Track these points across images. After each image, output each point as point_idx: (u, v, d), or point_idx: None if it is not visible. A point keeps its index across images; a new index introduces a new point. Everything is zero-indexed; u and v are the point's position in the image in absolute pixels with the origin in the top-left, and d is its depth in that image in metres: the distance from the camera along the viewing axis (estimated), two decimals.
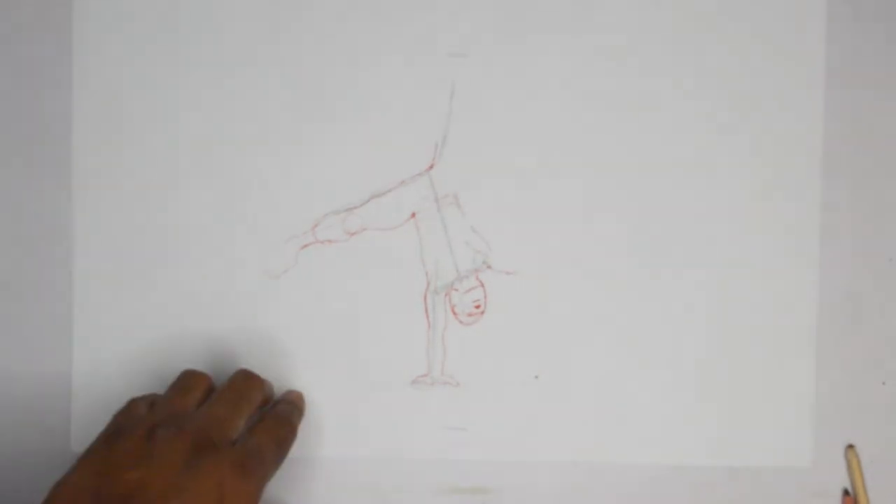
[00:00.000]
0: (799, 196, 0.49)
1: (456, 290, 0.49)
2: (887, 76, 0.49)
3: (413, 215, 0.49)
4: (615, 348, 0.49)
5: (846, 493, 0.49)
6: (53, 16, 0.48)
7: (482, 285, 0.49)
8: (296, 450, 0.48)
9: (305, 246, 0.49)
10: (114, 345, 0.49)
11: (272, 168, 0.49)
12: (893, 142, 0.49)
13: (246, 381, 0.46)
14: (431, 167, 0.49)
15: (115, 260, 0.49)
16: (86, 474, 0.40)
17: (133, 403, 0.44)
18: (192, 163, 0.49)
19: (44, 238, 0.49)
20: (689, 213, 0.49)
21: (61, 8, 0.48)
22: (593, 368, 0.49)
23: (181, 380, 0.45)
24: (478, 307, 0.49)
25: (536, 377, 0.49)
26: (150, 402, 0.45)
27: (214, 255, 0.49)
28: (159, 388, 0.46)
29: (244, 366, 0.47)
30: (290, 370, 0.49)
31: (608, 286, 0.49)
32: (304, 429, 0.48)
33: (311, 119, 0.49)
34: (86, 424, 0.48)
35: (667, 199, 0.49)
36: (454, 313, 0.49)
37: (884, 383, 0.49)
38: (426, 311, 0.49)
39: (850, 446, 0.49)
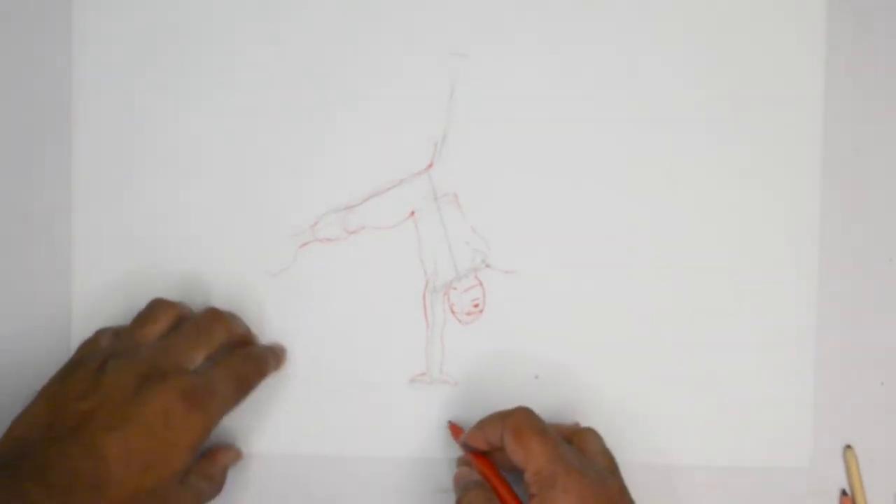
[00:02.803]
0: (799, 197, 0.49)
1: (455, 289, 0.49)
2: (887, 77, 0.49)
3: (412, 214, 0.49)
4: (615, 348, 0.49)
5: (844, 493, 0.48)
6: (53, 14, 0.49)
7: (481, 284, 0.49)
8: (293, 447, 0.48)
9: (305, 244, 0.49)
10: None
11: (272, 166, 0.49)
12: (893, 143, 0.49)
13: (212, 318, 0.45)
14: (431, 166, 0.49)
15: (114, 259, 0.49)
16: (40, 406, 0.41)
17: (99, 334, 0.45)
18: (191, 162, 0.49)
19: (43, 237, 0.49)
20: (689, 214, 0.49)
21: (61, 7, 0.49)
22: (593, 368, 0.49)
23: (146, 310, 0.45)
24: (476, 306, 0.49)
25: (536, 377, 0.49)
26: (115, 332, 0.45)
27: (214, 253, 0.49)
28: None
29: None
30: (288, 368, 0.49)
31: (608, 286, 0.49)
32: (301, 427, 0.48)
33: (311, 118, 0.49)
34: None
35: (667, 199, 0.49)
36: (453, 312, 0.49)
37: (882, 384, 0.49)
38: (425, 309, 0.49)
39: (849, 447, 0.49)
